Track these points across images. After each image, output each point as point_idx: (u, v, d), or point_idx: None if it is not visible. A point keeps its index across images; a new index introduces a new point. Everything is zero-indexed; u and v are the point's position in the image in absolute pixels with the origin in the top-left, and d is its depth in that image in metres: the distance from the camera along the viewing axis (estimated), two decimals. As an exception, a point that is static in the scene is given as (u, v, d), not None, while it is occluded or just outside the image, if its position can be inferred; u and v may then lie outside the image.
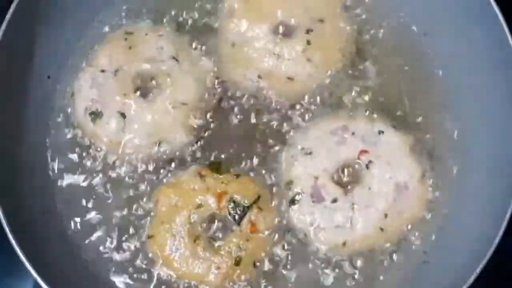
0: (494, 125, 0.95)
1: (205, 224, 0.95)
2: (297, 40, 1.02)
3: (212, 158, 1.00)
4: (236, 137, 1.01)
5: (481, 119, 0.97)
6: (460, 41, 0.99)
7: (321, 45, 1.02)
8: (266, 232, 0.95)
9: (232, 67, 1.03)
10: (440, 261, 0.95)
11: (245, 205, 0.95)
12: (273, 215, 0.96)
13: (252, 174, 0.99)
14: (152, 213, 0.98)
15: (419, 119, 1.02)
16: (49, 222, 0.96)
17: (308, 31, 1.02)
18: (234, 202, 0.95)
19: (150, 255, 0.96)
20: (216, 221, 0.95)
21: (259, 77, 1.01)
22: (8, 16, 0.92)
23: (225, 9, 1.05)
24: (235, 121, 1.02)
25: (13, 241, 0.86)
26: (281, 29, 1.03)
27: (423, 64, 1.04)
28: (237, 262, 0.93)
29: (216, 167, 0.98)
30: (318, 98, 1.02)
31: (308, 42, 1.01)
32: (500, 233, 0.85)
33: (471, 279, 0.85)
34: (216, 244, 0.94)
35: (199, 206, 0.95)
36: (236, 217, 0.94)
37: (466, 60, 0.99)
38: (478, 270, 0.85)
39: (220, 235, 0.95)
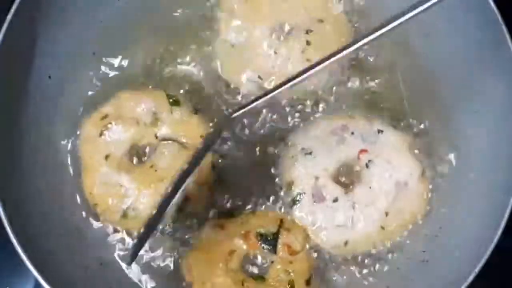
0: (494, 125, 0.95)
1: (245, 266, 0.95)
2: (296, 40, 1.02)
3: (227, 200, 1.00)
4: (237, 141, 1.01)
5: (481, 119, 0.97)
6: (459, 42, 0.99)
7: (320, 46, 1.02)
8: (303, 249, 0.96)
9: (232, 68, 1.03)
10: (439, 260, 0.95)
11: (273, 233, 0.95)
12: (303, 231, 0.96)
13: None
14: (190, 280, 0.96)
15: (419, 119, 1.02)
16: (51, 222, 0.96)
17: (307, 32, 1.02)
18: (261, 235, 0.95)
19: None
20: (253, 259, 0.95)
21: (259, 77, 1.01)
22: (9, 16, 0.92)
23: (224, 10, 1.05)
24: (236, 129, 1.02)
25: (14, 241, 0.86)
26: (280, 30, 1.03)
27: (423, 65, 1.04)
28: (292, 286, 0.93)
29: (231, 213, 0.98)
30: (317, 98, 1.03)
31: (308, 43, 1.01)
32: (500, 232, 0.86)
33: (471, 279, 0.85)
34: (264, 279, 0.94)
35: (232, 252, 0.95)
36: (270, 247, 0.95)
37: (465, 60, 0.99)
38: (477, 270, 0.85)
39: (264, 270, 0.95)
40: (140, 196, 0.95)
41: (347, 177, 0.98)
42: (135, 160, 0.98)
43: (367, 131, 1.00)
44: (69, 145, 1.01)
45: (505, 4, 0.92)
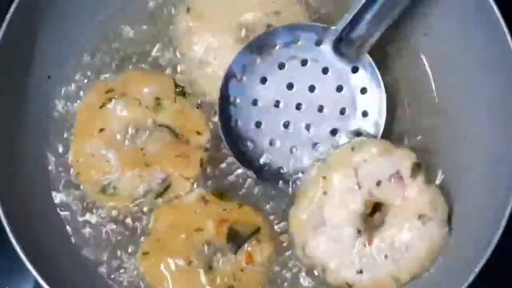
0: (494, 125, 0.95)
1: (201, 248, 0.94)
2: None
3: (216, 184, 0.99)
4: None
5: (481, 119, 0.97)
6: (459, 42, 0.99)
7: None
8: (262, 265, 0.95)
9: (207, 85, 1.02)
10: (440, 261, 0.95)
11: (244, 235, 0.95)
12: (272, 249, 0.96)
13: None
14: (150, 231, 0.97)
15: (419, 119, 1.02)
16: (50, 222, 0.97)
17: (268, 27, 1.01)
18: (233, 230, 0.94)
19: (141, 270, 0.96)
20: (213, 247, 0.94)
21: None
22: (8, 16, 0.92)
23: (182, 31, 1.04)
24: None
25: (13, 241, 0.86)
26: (241, 33, 1.02)
27: (422, 65, 1.04)
28: None
29: (220, 194, 0.98)
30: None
31: None
32: (500, 232, 0.85)
33: (471, 279, 0.85)
34: (211, 270, 0.94)
35: (198, 229, 0.94)
36: (234, 246, 0.94)
37: (465, 60, 0.99)
38: (477, 270, 0.85)
39: (216, 262, 0.94)
40: (122, 176, 0.96)
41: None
42: (127, 139, 0.98)
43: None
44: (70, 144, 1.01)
45: (505, 3, 0.91)
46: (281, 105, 0.98)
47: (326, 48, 0.97)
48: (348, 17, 0.94)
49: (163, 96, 1.00)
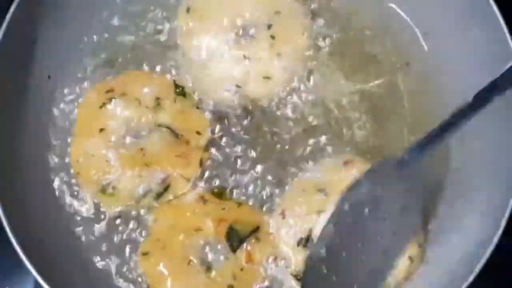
0: (494, 125, 0.95)
1: (201, 248, 0.94)
2: (261, 38, 1.02)
3: (216, 183, 0.99)
4: (236, 154, 1.01)
5: (481, 119, 0.97)
6: (459, 41, 0.99)
7: (285, 36, 1.02)
8: (262, 264, 0.95)
9: (208, 85, 1.02)
10: (439, 260, 0.95)
11: (243, 234, 0.95)
12: (271, 248, 0.95)
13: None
14: (150, 231, 0.97)
15: (418, 118, 1.02)
16: (50, 222, 0.96)
17: (268, 27, 1.02)
18: (232, 229, 0.95)
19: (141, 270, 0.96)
20: (212, 246, 0.95)
21: (237, 86, 1.01)
22: (8, 16, 0.92)
23: (181, 32, 1.04)
24: (233, 138, 1.01)
25: (13, 241, 0.86)
26: (242, 33, 1.02)
27: (422, 64, 1.04)
28: None
29: (220, 193, 0.98)
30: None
31: (272, 37, 1.01)
32: (500, 232, 0.86)
33: (471, 279, 0.85)
34: (210, 269, 0.94)
35: (198, 229, 0.95)
36: (233, 245, 0.94)
37: (465, 60, 0.99)
38: (477, 270, 0.85)
39: (216, 261, 0.94)
40: (121, 176, 0.96)
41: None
42: (127, 139, 0.98)
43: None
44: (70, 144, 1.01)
45: (505, 3, 0.91)
46: None
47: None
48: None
49: (163, 96, 1.00)
